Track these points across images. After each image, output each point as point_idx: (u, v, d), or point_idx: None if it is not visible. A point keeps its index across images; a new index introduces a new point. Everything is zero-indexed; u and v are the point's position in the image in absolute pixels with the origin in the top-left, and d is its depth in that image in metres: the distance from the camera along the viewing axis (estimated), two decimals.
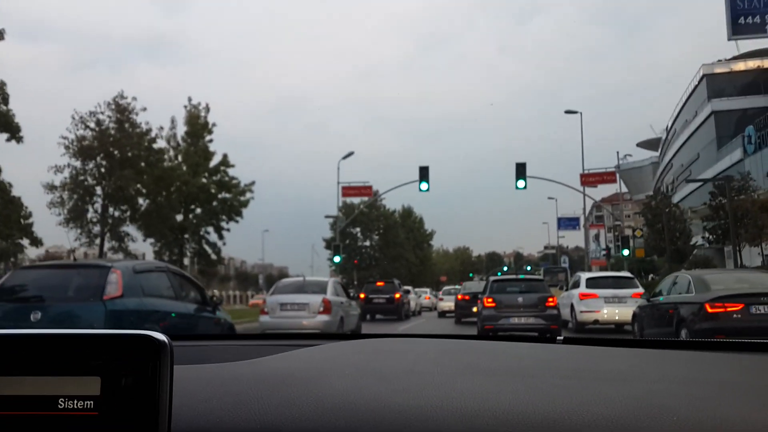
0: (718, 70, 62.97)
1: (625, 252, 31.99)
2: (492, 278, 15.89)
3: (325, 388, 0.83)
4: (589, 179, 33.26)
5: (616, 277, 16.95)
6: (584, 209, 40.94)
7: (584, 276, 16.91)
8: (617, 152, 36.37)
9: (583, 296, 15.76)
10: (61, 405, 0.57)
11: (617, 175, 33.83)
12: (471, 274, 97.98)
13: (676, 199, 48.74)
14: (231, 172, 30.52)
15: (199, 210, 30.04)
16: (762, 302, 8.80)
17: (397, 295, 23.90)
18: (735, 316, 8.83)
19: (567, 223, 41.37)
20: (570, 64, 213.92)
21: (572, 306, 16.15)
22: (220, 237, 30.61)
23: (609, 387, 0.84)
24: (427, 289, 53.11)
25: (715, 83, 61.50)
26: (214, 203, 30.02)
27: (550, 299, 13.54)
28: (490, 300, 13.57)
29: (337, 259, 33.83)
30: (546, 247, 78.13)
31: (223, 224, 30.65)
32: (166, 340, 0.59)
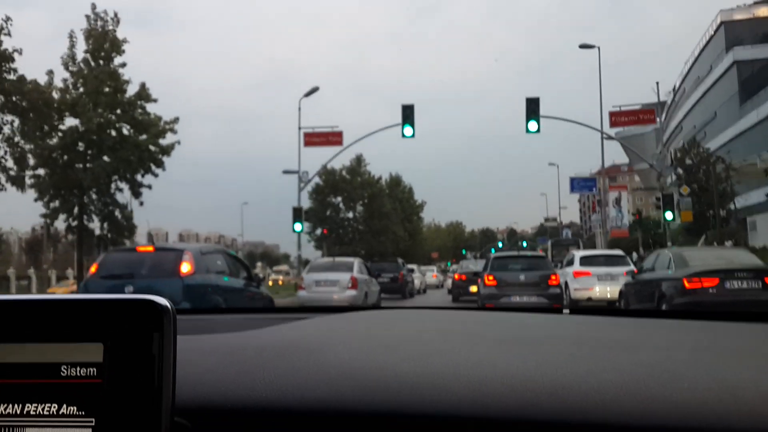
0: (738, 16, 54.65)
1: (669, 215, 23.82)
2: (493, 255, 15.27)
3: (330, 356, 0.81)
4: (621, 118, 24.99)
5: (608, 256, 16.95)
6: (602, 162, 32.64)
7: (578, 254, 16.83)
8: (656, 83, 27.88)
9: (576, 274, 15.56)
10: (63, 372, 0.54)
11: (656, 114, 25.60)
12: (464, 251, 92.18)
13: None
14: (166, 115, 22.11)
15: (106, 158, 21.43)
16: (736, 277, 9.14)
17: (401, 275, 23.81)
18: (711, 291, 9.04)
19: (582, 184, 32.86)
20: (562, 34, 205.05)
21: (566, 283, 15.63)
22: (136, 195, 22.17)
23: (617, 354, 0.82)
24: (434, 267, 50.23)
25: (734, 31, 53.22)
26: (120, 146, 21.32)
27: (553, 277, 12.94)
28: (490, 278, 12.87)
29: (298, 226, 25.40)
30: (546, 219, 70.37)
31: (140, 178, 22.20)
32: (169, 306, 0.56)
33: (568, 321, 1.21)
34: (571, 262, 16.73)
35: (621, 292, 12.55)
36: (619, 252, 18.31)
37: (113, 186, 22.05)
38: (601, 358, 0.80)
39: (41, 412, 0.54)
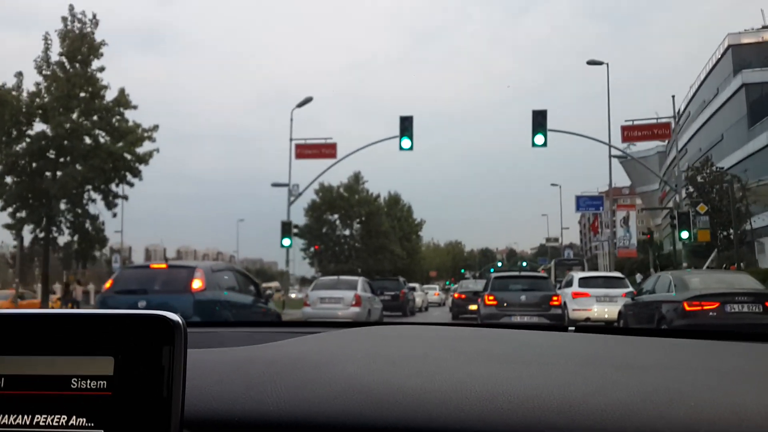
0: (746, 40, 53.46)
1: (684, 234, 22.05)
2: (494, 275, 15.10)
3: (337, 371, 0.81)
4: (635, 133, 23.28)
5: (607, 277, 17.11)
6: (610, 180, 30.88)
7: (577, 275, 16.97)
8: (672, 96, 26.44)
9: (575, 295, 15.63)
10: (74, 385, 0.54)
11: (671, 128, 23.85)
12: (463, 270, 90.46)
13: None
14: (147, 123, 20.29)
15: (78, 166, 19.64)
16: (736, 301, 8.99)
17: (402, 293, 23.89)
18: (711, 314, 8.96)
19: (588, 202, 31.06)
20: (563, 60, 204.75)
21: (564, 304, 15.28)
22: (110, 206, 20.36)
23: (624, 374, 0.82)
24: (436, 286, 49.81)
25: (742, 54, 51.94)
26: (94, 155, 19.51)
27: (555, 298, 12.67)
28: (491, 297, 12.49)
29: (287, 242, 23.57)
30: (548, 239, 68.55)
31: (115, 187, 20.39)
32: (180, 321, 0.56)
33: (574, 339, 1.19)
34: (570, 283, 16.78)
35: (620, 313, 12.52)
36: (617, 274, 18.50)
37: (86, 196, 20.27)
38: (607, 377, 0.79)
39: (51, 424, 0.54)
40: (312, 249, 52.56)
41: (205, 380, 0.77)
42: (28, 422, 0.54)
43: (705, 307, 9.10)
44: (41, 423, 0.54)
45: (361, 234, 54.26)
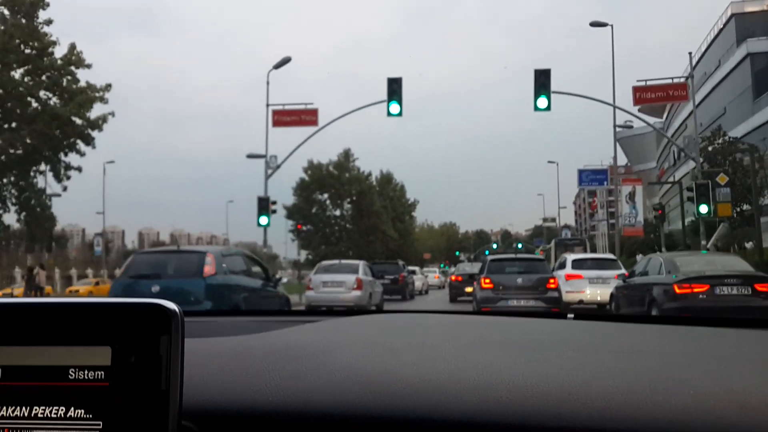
0: (750, 8, 50.93)
1: (703, 209, 19.68)
2: (489, 258, 14.62)
3: (335, 360, 0.81)
4: (648, 94, 20.73)
5: (599, 259, 17.09)
6: (615, 150, 28.52)
7: (570, 257, 16.66)
8: (689, 53, 23.81)
9: (568, 277, 15.20)
10: (71, 375, 0.54)
11: (689, 89, 21.33)
12: (458, 253, 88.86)
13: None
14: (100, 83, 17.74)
15: (23, 132, 17.07)
16: (726, 284, 9.04)
17: (401, 276, 23.80)
18: (701, 296, 9.00)
19: (591, 176, 28.59)
20: (559, 38, 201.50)
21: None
22: (59, 179, 17.86)
23: (623, 360, 0.82)
24: (436, 269, 49.24)
25: (746, 23, 49.46)
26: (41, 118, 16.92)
27: (552, 280, 12.30)
28: (487, 281, 12.23)
29: (264, 220, 21.09)
30: (545, 219, 66.35)
31: (64, 157, 17.89)
32: (177, 309, 0.55)
33: (573, 326, 1.19)
34: (563, 265, 16.56)
35: (612, 295, 12.56)
36: (610, 256, 18.54)
37: (33, 171, 17.72)
38: (606, 364, 0.79)
39: (49, 415, 0.53)
40: (304, 229, 50.22)
41: (203, 370, 0.77)
42: (26, 413, 0.54)
43: (695, 290, 9.10)
44: (39, 414, 0.53)
45: (352, 214, 51.81)
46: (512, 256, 17.49)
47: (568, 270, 15.64)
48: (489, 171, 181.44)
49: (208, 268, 8.65)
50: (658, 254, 12.97)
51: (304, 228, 48.44)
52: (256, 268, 10.15)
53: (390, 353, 0.85)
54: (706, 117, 54.97)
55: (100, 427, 0.53)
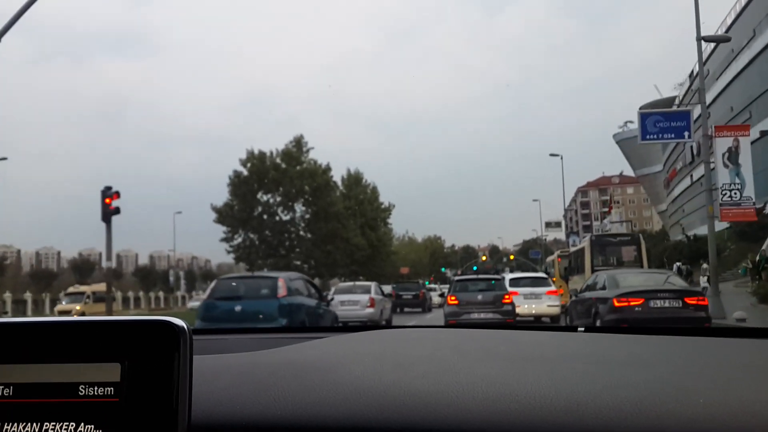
0: None
1: None
2: (456, 278, 16.56)
3: (344, 375, 0.79)
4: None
5: (533, 278, 17.74)
6: (700, 59, 16.09)
7: (508, 276, 17.59)
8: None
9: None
10: (81, 392, 0.53)
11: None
12: (444, 269, 76.42)
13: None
14: None
15: None
16: (659, 297, 9.55)
17: (422, 293, 26.60)
18: (637, 309, 9.42)
19: (662, 123, 15.93)
20: (540, 57, 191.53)
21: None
22: None
23: (631, 371, 0.80)
24: (435, 286, 44.76)
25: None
26: None
27: (506, 296, 13.39)
28: (453, 298, 13.55)
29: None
30: (548, 224, 53.99)
31: None
32: (185, 327, 0.54)
33: (581, 339, 1.14)
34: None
35: (567, 309, 13.73)
36: (541, 274, 20.05)
37: None
38: (615, 375, 0.76)
39: (59, 431, 0.52)
40: (241, 239, 37.01)
41: (212, 386, 0.74)
42: (36, 429, 0.52)
43: (632, 303, 9.52)
44: (50, 430, 0.52)
45: (309, 218, 38.96)
46: (474, 276, 17.83)
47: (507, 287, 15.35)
48: (477, 186, 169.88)
49: (281, 291, 9.47)
50: (603, 272, 13.10)
51: (237, 236, 35.71)
52: (312, 290, 10.93)
53: (398, 367, 0.82)
54: (737, 100, 43.09)
55: None
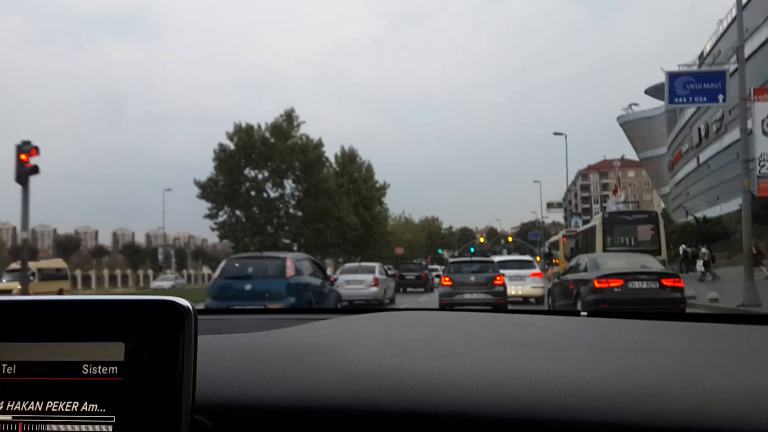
0: None
1: None
2: (450, 260, 17.01)
3: (348, 357, 0.78)
4: None
5: (518, 260, 18.47)
6: (739, 13, 13.77)
7: (495, 260, 17.23)
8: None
9: None
10: (85, 371, 0.52)
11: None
12: (440, 250, 74.66)
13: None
14: None
15: None
16: (637, 279, 9.83)
17: (424, 273, 26.91)
18: (616, 290, 9.65)
19: (693, 84, 13.77)
20: (544, 42, 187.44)
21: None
22: None
23: (637, 357, 0.79)
24: (437, 267, 43.54)
25: None
26: None
27: (498, 278, 13.76)
28: (447, 279, 14.01)
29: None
30: (549, 205, 51.81)
31: None
32: (190, 306, 0.54)
33: (586, 323, 1.14)
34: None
35: (549, 290, 13.81)
36: (527, 257, 20.07)
37: None
38: (620, 360, 0.76)
39: (62, 410, 0.52)
40: (226, 216, 34.79)
41: (216, 366, 0.74)
42: (40, 408, 0.52)
43: (611, 284, 9.70)
44: (53, 409, 0.52)
45: (299, 196, 36.76)
46: (468, 259, 17.32)
47: None
48: (475, 168, 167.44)
49: (289, 271, 9.74)
50: (584, 255, 13.89)
51: (222, 213, 33.52)
52: (317, 270, 11.25)
53: (402, 350, 0.81)
54: (759, 77, 40.66)
55: (114, 421, 0.51)
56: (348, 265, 20.67)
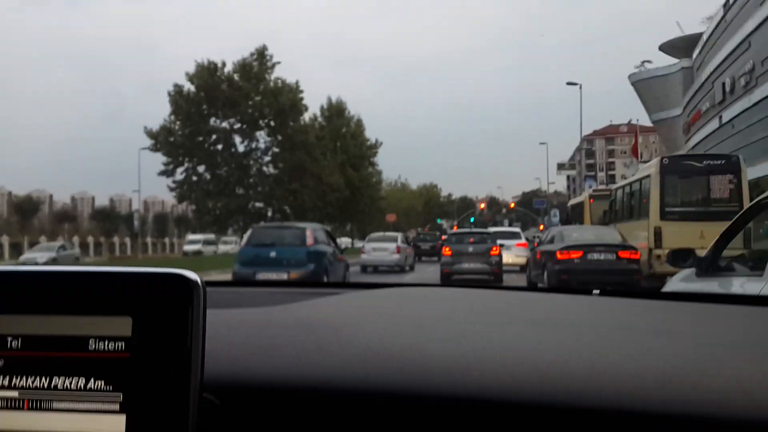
0: None
1: None
2: (450, 232, 20.03)
3: (358, 333, 0.75)
4: None
5: (506, 232, 20.69)
6: None
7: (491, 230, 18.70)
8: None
9: None
10: (91, 346, 0.49)
11: None
12: (439, 220, 69.57)
13: None
14: None
15: None
16: (596, 251, 10.48)
17: (438, 243, 27.30)
18: (576, 261, 10.33)
19: None
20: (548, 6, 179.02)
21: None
22: None
23: (656, 340, 0.76)
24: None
25: None
26: None
27: (494, 248, 14.74)
28: (447, 249, 15.03)
29: None
30: (560, 166, 46.18)
31: None
32: (198, 280, 0.51)
33: (602, 303, 1.09)
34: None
35: (527, 259, 15.04)
36: (514, 229, 23.04)
37: None
38: (639, 343, 0.72)
39: (68, 386, 0.49)
40: (185, 173, 29.15)
41: (225, 341, 0.71)
42: (46, 384, 0.50)
43: (572, 255, 10.37)
44: (59, 385, 0.49)
45: (275, 151, 31.13)
46: (467, 230, 19.15)
47: None
48: (476, 134, 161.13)
49: (309, 239, 10.79)
50: (554, 228, 14.91)
51: (181, 170, 27.86)
52: (330, 239, 12.16)
53: (414, 328, 0.79)
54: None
55: (121, 398, 0.49)
56: (374, 234, 22.45)
